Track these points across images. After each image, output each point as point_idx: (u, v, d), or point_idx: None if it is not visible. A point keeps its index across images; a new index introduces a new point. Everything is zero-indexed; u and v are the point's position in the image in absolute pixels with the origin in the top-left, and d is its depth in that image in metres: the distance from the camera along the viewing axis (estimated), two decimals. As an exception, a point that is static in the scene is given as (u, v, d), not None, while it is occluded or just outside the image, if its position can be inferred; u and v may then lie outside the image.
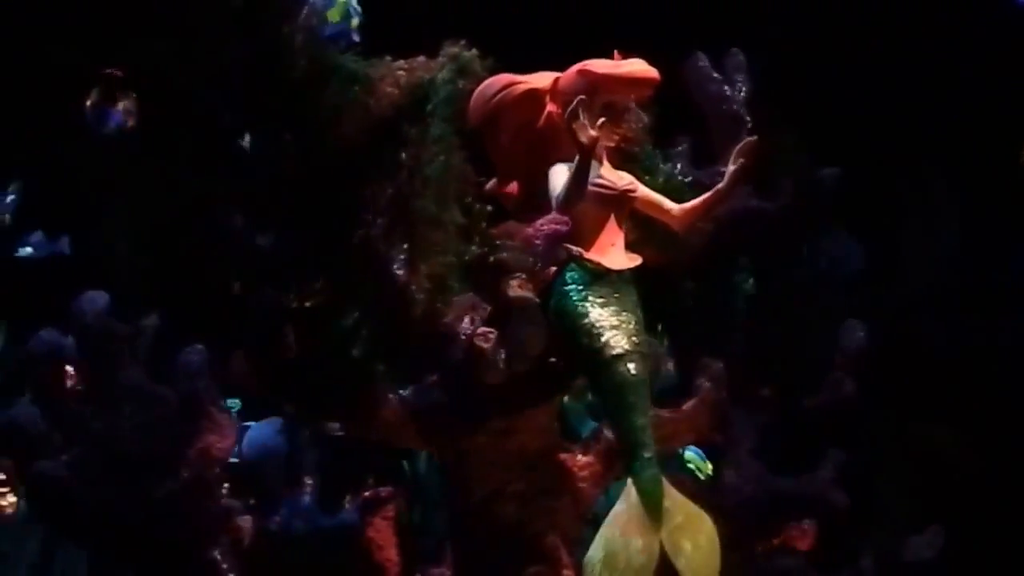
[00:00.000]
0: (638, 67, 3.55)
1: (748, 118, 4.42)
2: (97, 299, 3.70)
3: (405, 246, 3.41)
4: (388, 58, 3.43)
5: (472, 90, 3.48)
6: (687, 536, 3.36)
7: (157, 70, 3.60)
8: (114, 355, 3.65)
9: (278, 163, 3.32)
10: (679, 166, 4.32)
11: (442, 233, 3.42)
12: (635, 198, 3.60)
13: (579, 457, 3.82)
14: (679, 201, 3.78)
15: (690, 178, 4.29)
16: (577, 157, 3.35)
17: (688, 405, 3.96)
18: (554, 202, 3.46)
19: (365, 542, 3.76)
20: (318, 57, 3.29)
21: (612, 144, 3.57)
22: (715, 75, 4.52)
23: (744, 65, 4.62)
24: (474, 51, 3.47)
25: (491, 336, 3.55)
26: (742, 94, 4.52)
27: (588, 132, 3.31)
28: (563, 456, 3.79)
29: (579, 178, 3.39)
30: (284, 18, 3.25)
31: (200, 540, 3.48)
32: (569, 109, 3.32)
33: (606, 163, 3.56)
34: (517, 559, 3.65)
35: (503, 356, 3.53)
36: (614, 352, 3.36)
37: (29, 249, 5.65)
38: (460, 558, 3.75)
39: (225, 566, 3.52)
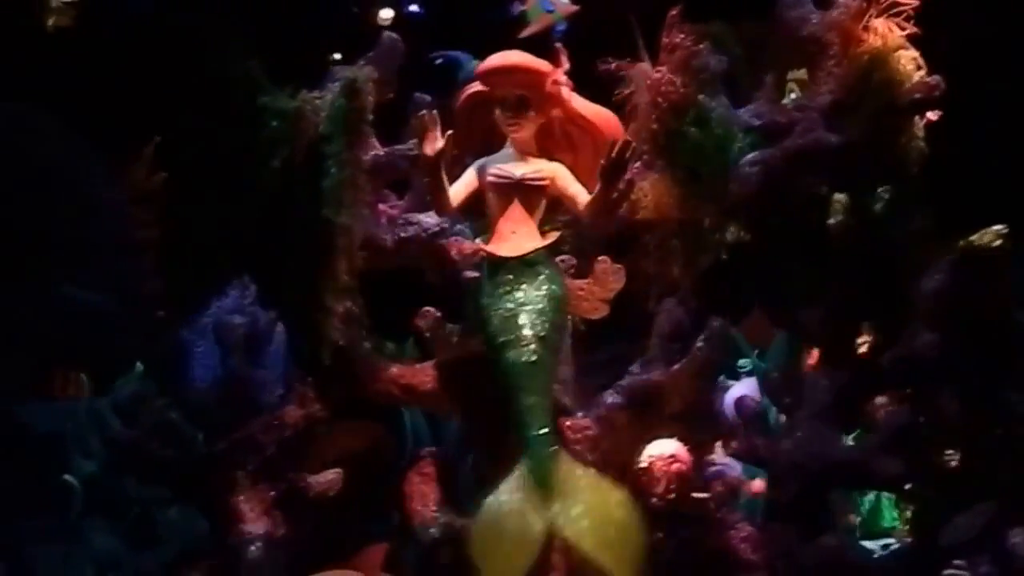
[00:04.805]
0: (491, 60, 3.59)
1: (832, 40, 3.94)
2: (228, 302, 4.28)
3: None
4: (304, 90, 3.75)
5: (360, 108, 3.69)
6: (584, 508, 3.30)
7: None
8: (229, 344, 4.20)
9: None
10: (753, 107, 4.02)
11: (343, 237, 3.67)
12: (544, 187, 3.61)
13: (579, 421, 3.79)
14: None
15: (763, 120, 3.97)
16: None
17: (676, 367, 3.72)
18: None
19: (399, 495, 4.06)
20: (251, 99, 3.69)
21: (515, 133, 3.62)
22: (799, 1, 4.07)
23: (850, -22, 4.06)
24: (366, 70, 3.67)
25: (428, 314, 3.74)
26: (840, 13, 3.99)
27: (430, 144, 3.47)
28: (562, 419, 3.75)
29: (430, 189, 3.58)
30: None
31: (229, 490, 3.91)
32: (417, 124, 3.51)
33: (518, 153, 3.63)
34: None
35: (454, 332, 3.75)
36: (502, 339, 3.47)
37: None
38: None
39: (251, 515, 3.86)
